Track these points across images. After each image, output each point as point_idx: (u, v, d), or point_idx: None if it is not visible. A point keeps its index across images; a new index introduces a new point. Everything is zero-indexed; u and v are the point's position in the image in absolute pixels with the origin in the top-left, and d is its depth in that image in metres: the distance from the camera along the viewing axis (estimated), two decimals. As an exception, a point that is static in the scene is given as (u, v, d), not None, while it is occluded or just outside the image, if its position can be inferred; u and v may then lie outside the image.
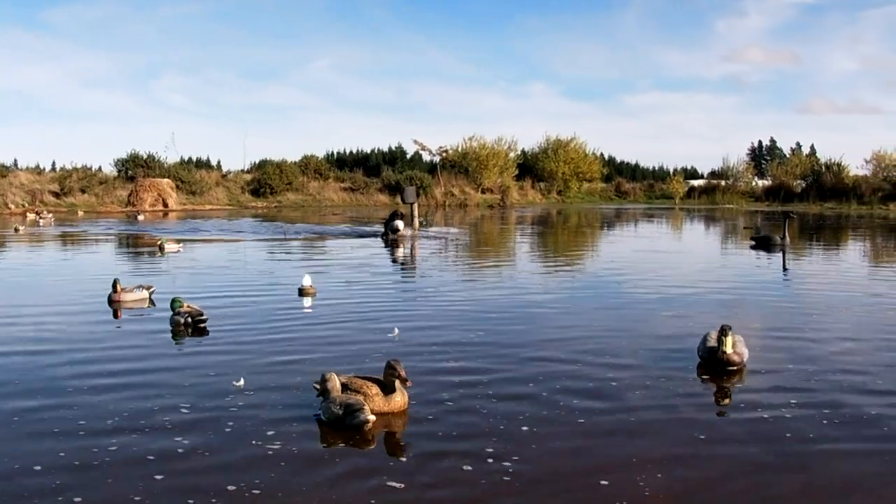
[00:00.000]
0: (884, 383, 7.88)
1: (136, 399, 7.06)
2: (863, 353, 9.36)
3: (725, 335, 8.12)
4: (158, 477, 5.28)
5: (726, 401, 7.37)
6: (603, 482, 5.27)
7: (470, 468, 5.49)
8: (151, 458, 5.62)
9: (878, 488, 5.27)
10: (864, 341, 10.05)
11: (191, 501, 4.92)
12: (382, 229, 28.98)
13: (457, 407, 6.93)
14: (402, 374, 6.78)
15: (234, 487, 5.11)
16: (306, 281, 13.35)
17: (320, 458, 5.74)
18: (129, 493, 5.00)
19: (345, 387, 6.74)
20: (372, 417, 6.42)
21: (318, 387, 6.82)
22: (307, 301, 12.69)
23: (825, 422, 6.60)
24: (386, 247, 24.81)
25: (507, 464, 5.55)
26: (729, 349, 8.09)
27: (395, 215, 28.52)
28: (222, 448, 5.85)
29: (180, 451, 5.76)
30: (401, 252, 23.10)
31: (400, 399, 6.82)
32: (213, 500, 4.94)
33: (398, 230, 27.80)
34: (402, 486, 5.17)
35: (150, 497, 4.96)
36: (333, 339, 9.79)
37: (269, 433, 6.18)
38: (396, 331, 10.01)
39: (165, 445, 5.88)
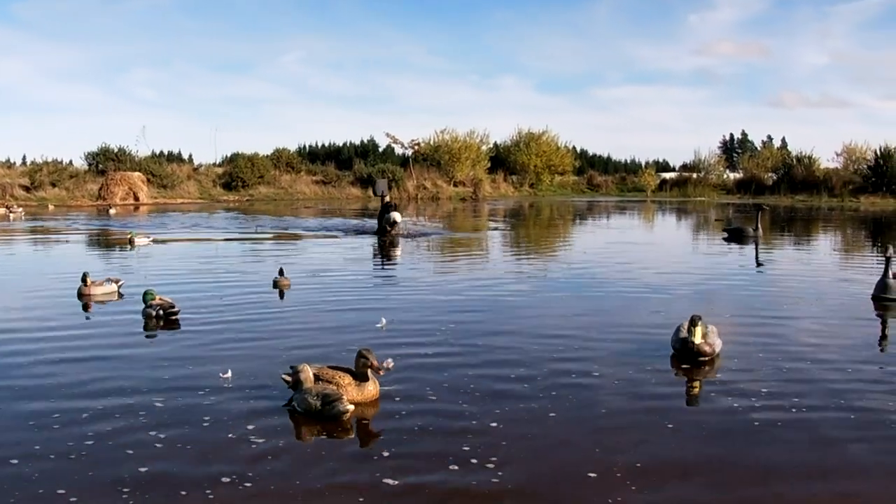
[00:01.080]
0: (853, 372, 8.01)
1: (110, 393, 7.03)
2: (834, 344, 9.47)
3: (695, 325, 8.19)
4: (142, 469, 5.27)
5: (696, 390, 7.44)
6: (574, 473, 5.33)
7: (450, 460, 5.52)
8: (130, 451, 5.60)
9: (844, 476, 5.38)
10: (836, 333, 10.19)
11: (183, 493, 4.92)
12: (377, 225, 25.98)
13: (433, 399, 6.98)
14: (375, 362, 6.83)
15: (227, 480, 5.11)
16: (280, 273, 13.29)
17: (302, 450, 5.77)
18: (114, 485, 4.99)
19: (316, 377, 6.78)
20: (351, 407, 6.46)
21: (288, 378, 6.82)
22: (281, 293, 12.62)
23: (794, 410, 6.70)
24: (382, 246, 22.46)
25: (476, 460, 5.59)
26: (697, 339, 8.15)
27: (388, 207, 25.62)
28: (201, 441, 5.83)
29: (158, 445, 5.73)
30: (398, 253, 20.54)
31: (373, 388, 6.88)
32: (208, 492, 4.93)
33: (396, 222, 25.04)
34: (394, 481, 5.15)
35: (138, 488, 4.96)
36: (306, 330, 9.83)
37: (249, 426, 6.18)
38: (384, 321, 10.00)
39: (143, 439, 5.85)
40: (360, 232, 26.90)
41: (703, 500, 4.93)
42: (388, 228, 25.04)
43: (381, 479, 5.13)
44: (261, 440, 5.87)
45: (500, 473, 5.22)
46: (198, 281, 14.15)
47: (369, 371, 6.86)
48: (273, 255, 19.09)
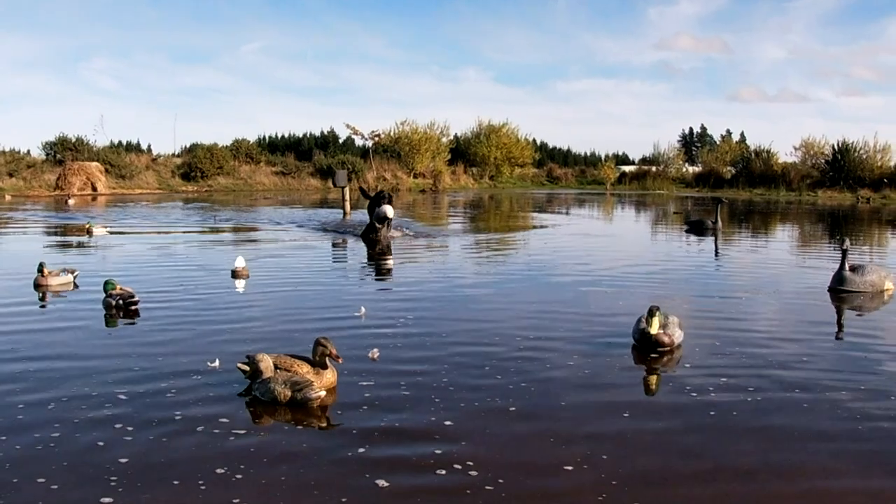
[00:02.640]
0: (809, 361, 8.14)
1: (72, 384, 6.95)
2: (791, 335, 9.59)
3: (652, 316, 8.25)
4: (123, 460, 5.22)
5: (654, 381, 7.51)
6: (533, 464, 5.37)
7: (409, 455, 5.55)
8: (101, 443, 5.53)
9: (794, 467, 5.46)
10: (793, 324, 10.33)
11: (176, 483, 4.88)
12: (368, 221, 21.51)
13: (388, 394, 6.95)
14: (333, 350, 6.86)
15: (221, 471, 5.06)
16: (239, 262, 13.23)
17: (276, 442, 5.72)
18: (93, 482, 4.92)
19: (274, 366, 6.71)
20: (322, 392, 6.50)
21: (246, 368, 6.79)
22: (240, 283, 12.55)
23: (749, 399, 6.79)
24: (370, 247, 19.36)
25: (435, 458, 5.59)
26: (654, 330, 8.20)
27: (380, 197, 21.02)
28: (173, 434, 5.76)
29: (128, 438, 5.64)
30: (391, 263, 16.59)
31: (331, 376, 6.89)
32: (200, 483, 4.89)
33: (388, 218, 20.59)
34: (358, 477, 5.11)
35: (123, 484, 4.89)
36: (266, 320, 9.80)
37: (222, 420, 6.12)
38: (363, 310, 9.97)
39: (112, 429, 5.78)
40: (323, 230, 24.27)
41: (662, 489, 4.94)
42: (378, 225, 20.58)
43: (356, 473, 5.13)
44: (236, 431, 5.83)
45: (457, 467, 5.24)
46: (156, 271, 14.01)
47: (327, 359, 6.88)
48: (232, 245, 18.94)
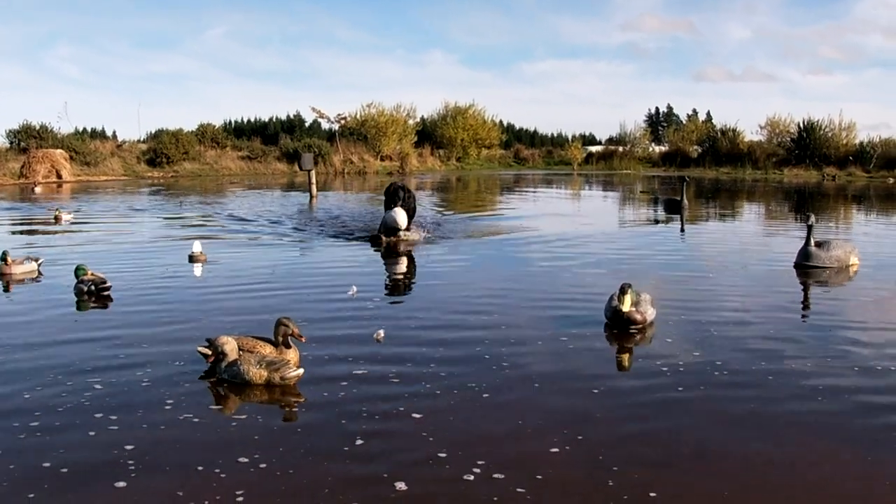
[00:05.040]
0: (775, 333, 8.29)
1: (43, 373, 6.86)
2: (758, 309, 9.69)
3: (624, 293, 8.28)
4: (128, 447, 5.17)
5: (626, 357, 7.58)
6: (509, 443, 5.41)
7: (379, 443, 5.55)
8: (92, 433, 5.47)
9: (761, 440, 5.52)
10: (760, 298, 10.43)
11: (167, 472, 4.82)
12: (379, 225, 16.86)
13: (354, 377, 6.92)
14: (296, 330, 6.88)
15: (221, 461, 4.99)
16: (196, 247, 13.15)
17: (262, 425, 5.70)
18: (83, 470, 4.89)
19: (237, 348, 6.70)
20: (301, 371, 6.54)
21: (207, 351, 6.71)
22: (197, 268, 12.47)
23: (716, 373, 6.88)
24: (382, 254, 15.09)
25: (411, 441, 5.62)
26: (625, 307, 8.24)
27: (394, 196, 16.52)
28: (153, 422, 5.68)
29: (112, 427, 5.55)
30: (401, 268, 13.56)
31: (294, 356, 6.87)
32: (193, 477, 4.81)
33: (397, 229, 16.07)
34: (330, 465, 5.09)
35: (111, 473, 4.85)
36: (226, 304, 9.75)
37: (206, 404, 6.10)
38: (354, 289, 9.96)
39: (95, 423, 5.65)
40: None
41: (630, 464, 4.96)
42: (383, 238, 16.08)
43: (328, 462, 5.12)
44: (228, 415, 5.81)
45: (434, 452, 5.26)
46: (121, 257, 13.87)
47: (290, 339, 6.90)
48: (195, 230, 18.81)
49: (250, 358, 6.53)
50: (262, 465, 4.86)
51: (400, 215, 15.95)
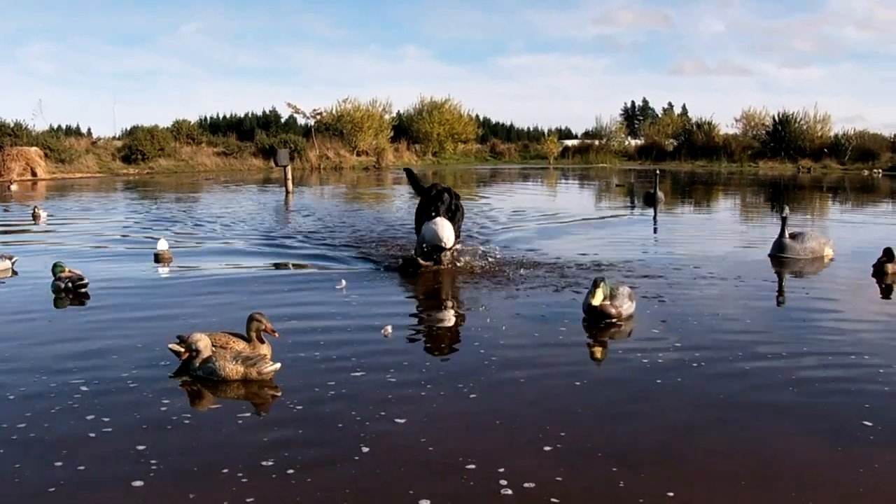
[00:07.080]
0: (751, 324, 8.40)
1: (26, 373, 6.78)
2: (734, 300, 9.80)
3: (596, 287, 8.30)
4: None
5: (601, 352, 7.58)
6: (484, 437, 5.43)
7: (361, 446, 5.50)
8: (92, 434, 5.43)
9: (740, 430, 5.58)
10: (735, 289, 10.49)
11: (160, 469, 4.80)
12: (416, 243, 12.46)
13: (329, 377, 6.90)
14: (268, 325, 6.87)
15: (220, 458, 4.98)
16: (161, 245, 13.07)
17: (246, 423, 5.69)
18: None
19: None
20: (277, 365, 6.49)
21: (179, 349, 6.65)
22: (164, 267, 12.40)
23: (695, 365, 6.91)
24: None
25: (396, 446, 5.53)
26: (597, 301, 8.25)
27: (437, 203, 12.02)
28: (138, 421, 5.61)
29: (107, 429, 5.44)
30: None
31: (267, 352, 6.86)
32: (194, 469, 4.80)
33: (443, 248, 11.59)
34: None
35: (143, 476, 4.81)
36: (195, 302, 9.68)
37: (165, 401, 6.05)
38: (343, 283, 9.94)
39: (82, 424, 5.55)
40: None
41: (610, 458, 4.98)
42: (423, 262, 11.78)
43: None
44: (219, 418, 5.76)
45: (430, 453, 5.24)
46: (98, 255, 13.79)
47: (263, 334, 6.90)
48: (169, 226, 18.69)
49: (226, 354, 6.50)
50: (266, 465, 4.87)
51: (446, 232, 11.53)
